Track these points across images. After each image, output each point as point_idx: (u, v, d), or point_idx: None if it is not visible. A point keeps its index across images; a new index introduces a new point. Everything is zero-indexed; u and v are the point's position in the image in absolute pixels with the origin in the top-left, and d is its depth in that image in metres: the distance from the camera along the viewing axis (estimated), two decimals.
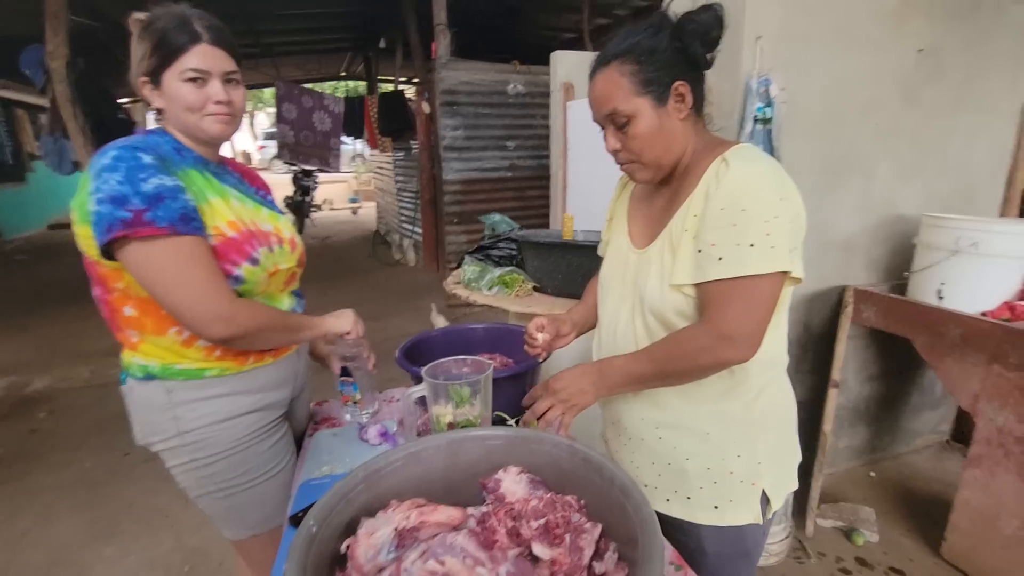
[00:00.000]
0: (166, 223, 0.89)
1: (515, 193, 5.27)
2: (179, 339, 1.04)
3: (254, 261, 1.04)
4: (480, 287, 1.98)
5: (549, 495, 0.77)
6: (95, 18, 3.73)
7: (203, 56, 0.97)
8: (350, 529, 0.73)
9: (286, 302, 1.18)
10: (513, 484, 0.82)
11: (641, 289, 0.93)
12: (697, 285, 0.84)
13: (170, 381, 1.04)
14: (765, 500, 0.93)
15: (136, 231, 0.88)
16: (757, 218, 0.78)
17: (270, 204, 1.21)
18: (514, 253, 2.20)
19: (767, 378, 0.92)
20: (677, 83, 0.84)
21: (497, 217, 2.41)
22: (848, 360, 2.21)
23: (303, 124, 5.75)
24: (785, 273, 0.81)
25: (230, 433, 1.10)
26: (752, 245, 0.78)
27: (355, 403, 1.33)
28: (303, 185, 9.24)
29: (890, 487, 2.33)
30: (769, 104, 1.70)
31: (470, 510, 0.80)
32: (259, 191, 1.21)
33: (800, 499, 2.09)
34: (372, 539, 0.71)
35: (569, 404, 0.92)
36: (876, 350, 2.34)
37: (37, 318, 4.90)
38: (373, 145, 7.47)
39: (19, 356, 4.06)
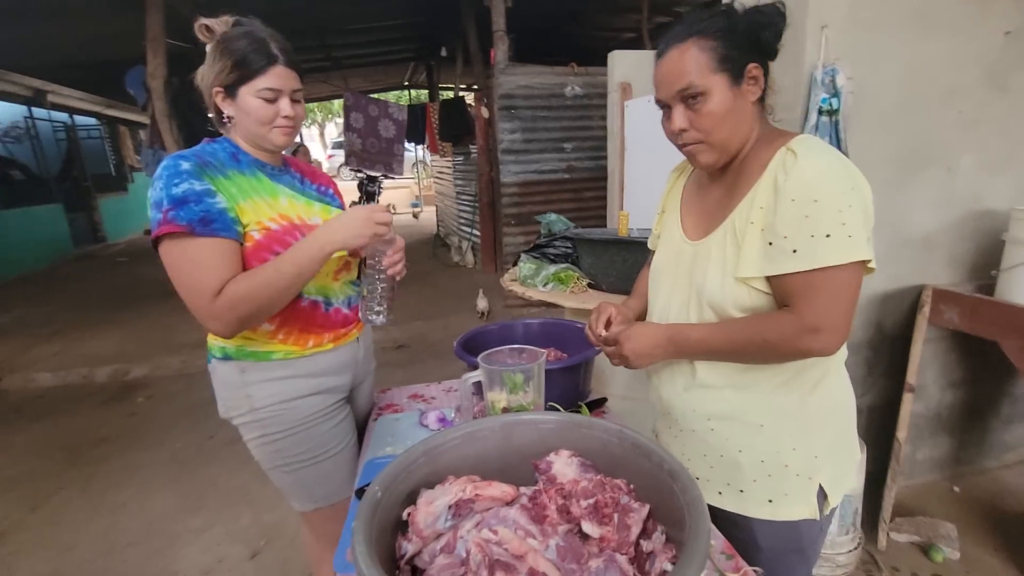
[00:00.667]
0: (185, 222, 0.99)
1: (572, 194, 5.28)
2: None
3: None
4: (535, 284, 2.02)
5: (599, 477, 0.80)
6: (187, 40, 4.11)
7: (278, 77, 1.08)
8: (410, 499, 0.79)
9: (341, 294, 1.26)
10: (564, 466, 0.85)
11: (699, 281, 0.93)
12: (771, 278, 0.84)
13: (243, 361, 1.16)
14: (822, 496, 0.91)
15: (162, 229, 0.99)
16: (831, 208, 0.78)
17: (329, 199, 1.31)
18: (569, 251, 2.23)
19: (823, 371, 0.91)
20: (751, 65, 0.85)
21: (553, 216, 2.44)
22: (927, 364, 2.07)
23: (369, 132, 5.98)
24: (864, 262, 0.80)
25: (294, 413, 1.20)
26: (828, 236, 0.77)
27: (362, 297, 1.24)
28: (368, 191, 9.61)
29: (976, 503, 2.16)
30: (835, 95, 1.64)
31: (522, 489, 0.85)
32: (320, 187, 1.31)
33: (871, 510, 1.98)
34: (431, 507, 0.77)
35: (629, 363, 0.97)
36: (959, 354, 2.17)
37: (136, 313, 5.42)
38: (434, 150, 7.70)
39: (121, 347, 4.52)
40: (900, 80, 1.82)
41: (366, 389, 1.42)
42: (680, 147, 0.92)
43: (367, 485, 1.05)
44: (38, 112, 7.98)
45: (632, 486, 0.78)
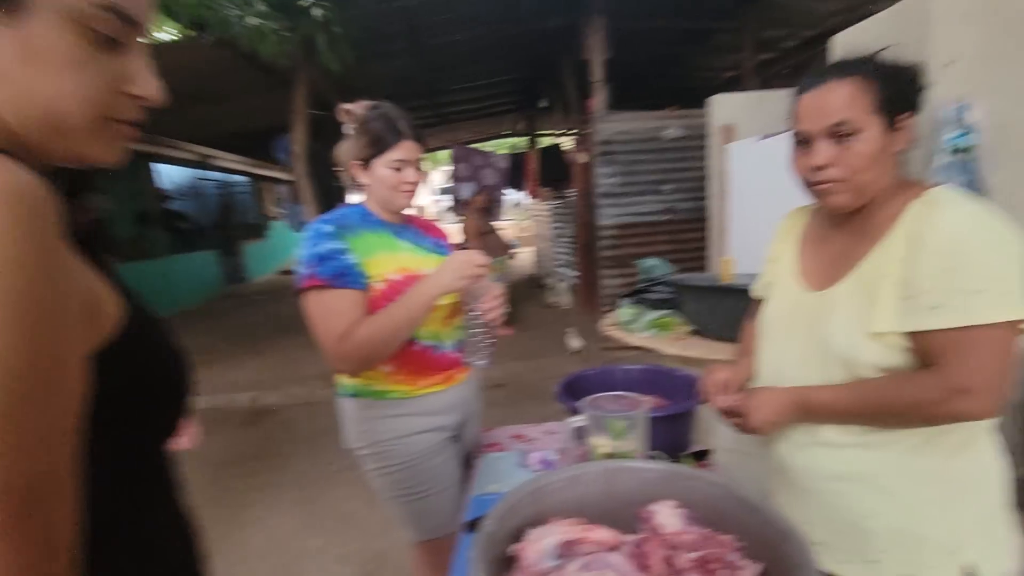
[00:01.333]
0: (324, 277, 1.17)
1: (671, 236, 5.19)
2: None
3: None
4: (636, 329, 2.02)
5: (705, 531, 0.80)
6: (322, 108, 4.72)
7: (405, 150, 1.27)
8: (516, 536, 0.84)
9: (450, 338, 1.36)
10: (668, 517, 0.85)
11: (823, 334, 0.89)
12: (912, 334, 0.80)
13: (365, 399, 1.31)
14: None
15: (306, 283, 1.17)
16: (979, 262, 0.75)
17: (443, 250, 1.44)
18: (671, 296, 2.21)
19: (969, 435, 0.83)
20: (904, 115, 0.84)
21: (653, 261, 2.44)
22: None
23: (473, 180, 6.46)
24: (1018, 321, 0.75)
25: (407, 448, 1.31)
26: (978, 292, 0.74)
27: (464, 340, 1.31)
28: None
29: None
30: (967, 132, 1.52)
31: (626, 537, 0.86)
32: (435, 240, 1.46)
33: None
34: (538, 546, 0.81)
35: (757, 433, 0.94)
36: None
37: (269, 346, 6.10)
38: (534, 195, 8.00)
39: (258, 375, 5.10)
40: None
41: (472, 428, 1.51)
42: (812, 184, 0.89)
43: (477, 519, 1.12)
44: (203, 173, 9.51)
45: (740, 543, 0.77)
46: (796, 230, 1.07)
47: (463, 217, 5.64)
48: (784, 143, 0.96)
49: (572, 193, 6.19)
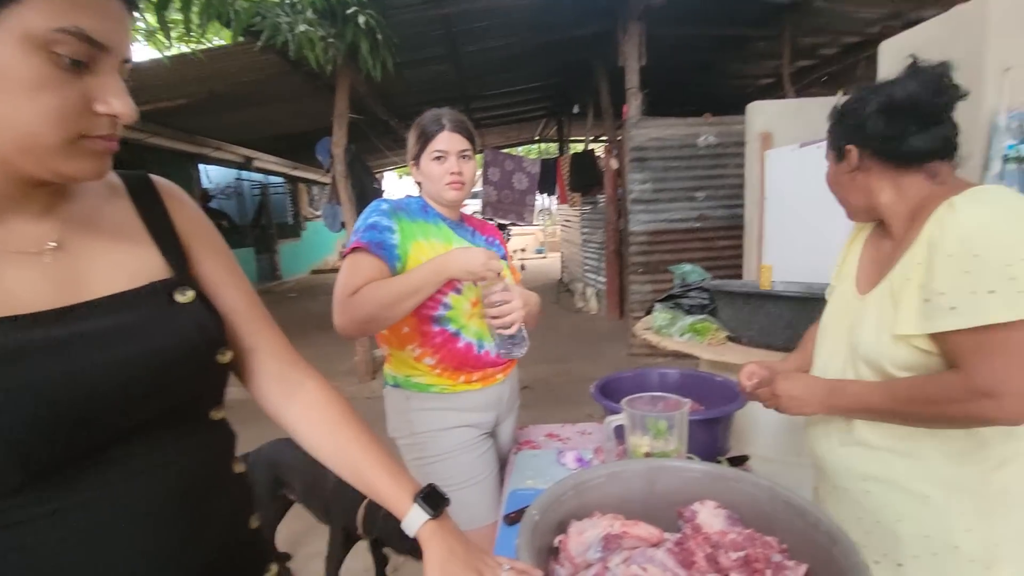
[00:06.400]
0: (365, 241, 1.20)
1: (704, 243, 5.14)
2: (412, 356, 1.33)
3: (458, 291, 1.31)
4: (671, 333, 2.02)
5: (748, 531, 0.80)
6: (360, 112, 4.79)
7: (445, 140, 1.30)
8: (559, 528, 0.86)
9: (491, 340, 1.38)
10: (710, 517, 0.86)
11: (855, 337, 0.92)
12: (936, 337, 0.81)
13: (408, 390, 1.34)
14: None
15: (351, 246, 1.22)
16: (995, 262, 0.75)
17: (496, 248, 1.48)
18: (706, 303, 2.20)
19: (1014, 450, 0.82)
20: (848, 146, 0.94)
21: (688, 267, 2.44)
22: None
23: (504, 184, 6.51)
24: None
25: (443, 441, 1.34)
26: (992, 292, 0.74)
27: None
28: None
29: None
30: (1023, 142, 1.48)
31: (666, 535, 0.87)
32: (488, 238, 1.49)
33: None
34: (582, 537, 0.83)
35: (784, 409, 0.98)
36: None
37: (302, 342, 6.25)
38: (563, 200, 8.01)
39: None
40: None
41: (509, 426, 1.53)
42: None
43: (516, 511, 1.15)
44: (245, 174, 9.83)
45: (784, 545, 0.77)
46: (863, 235, 1.09)
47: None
48: (822, 151, 1.04)
49: (603, 199, 6.19)
